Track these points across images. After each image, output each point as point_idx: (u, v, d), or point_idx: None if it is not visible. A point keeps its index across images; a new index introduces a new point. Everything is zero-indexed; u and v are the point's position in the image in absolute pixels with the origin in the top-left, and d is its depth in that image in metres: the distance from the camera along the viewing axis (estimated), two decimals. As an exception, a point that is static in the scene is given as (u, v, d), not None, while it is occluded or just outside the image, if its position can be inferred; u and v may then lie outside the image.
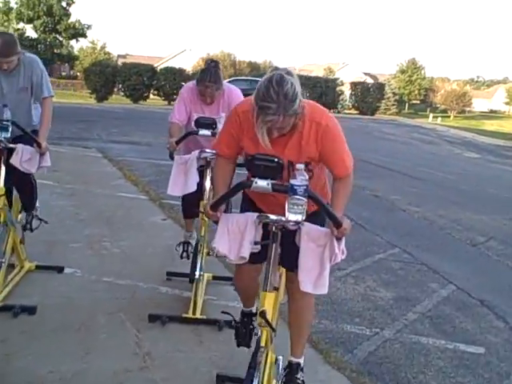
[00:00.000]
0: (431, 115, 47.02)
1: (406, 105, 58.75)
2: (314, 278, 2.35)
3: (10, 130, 3.75)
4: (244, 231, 2.40)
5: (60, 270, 4.47)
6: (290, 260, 2.50)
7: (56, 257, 4.76)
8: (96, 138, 13.42)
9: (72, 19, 31.19)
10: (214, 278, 4.49)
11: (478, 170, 15.75)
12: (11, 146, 3.79)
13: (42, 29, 30.24)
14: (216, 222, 2.49)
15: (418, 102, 63.67)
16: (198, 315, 3.81)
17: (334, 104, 37.27)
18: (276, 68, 2.35)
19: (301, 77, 37.42)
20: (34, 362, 3.16)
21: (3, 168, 3.82)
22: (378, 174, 11.91)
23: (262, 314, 2.31)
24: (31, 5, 29.84)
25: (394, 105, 44.44)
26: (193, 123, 3.97)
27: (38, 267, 4.45)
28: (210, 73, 3.92)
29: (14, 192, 4.25)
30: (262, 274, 2.56)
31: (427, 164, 15.02)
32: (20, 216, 4.46)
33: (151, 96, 34.28)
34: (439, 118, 44.53)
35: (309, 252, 2.37)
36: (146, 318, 3.74)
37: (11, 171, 3.84)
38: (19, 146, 3.81)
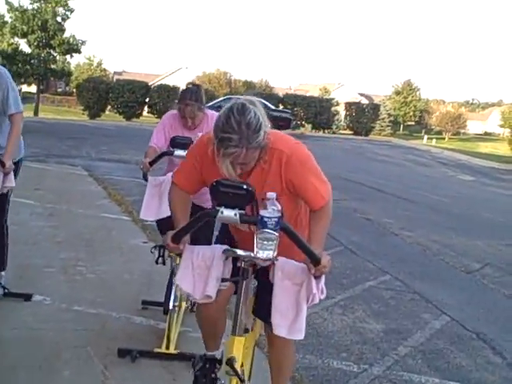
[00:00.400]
0: (426, 137, 46.87)
1: (401, 126, 58.75)
2: (289, 321, 2.09)
3: None
4: (210, 266, 2.14)
5: (28, 297, 4.17)
6: (263, 310, 2.25)
7: (26, 282, 4.47)
8: (84, 155, 13.19)
9: (67, 34, 30.99)
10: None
11: (473, 193, 15.55)
12: None
13: (35, 44, 30.06)
14: (180, 255, 2.23)
15: (413, 123, 63.63)
16: (171, 350, 3.53)
17: (328, 124, 37.25)
18: (238, 98, 2.14)
19: (296, 96, 37.63)
20: (-15, 404, 2.87)
21: None
22: (371, 196, 11.69)
23: (230, 362, 2.04)
24: (26, 19, 29.67)
25: (388, 126, 44.39)
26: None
27: (4, 294, 4.15)
28: (191, 91, 3.75)
29: None
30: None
31: (421, 186, 14.81)
32: None
33: (144, 113, 34.08)
34: (434, 140, 44.37)
35: (283, 291, 2.10)
36: (115, 353, 3.45)
37: None
38: None
